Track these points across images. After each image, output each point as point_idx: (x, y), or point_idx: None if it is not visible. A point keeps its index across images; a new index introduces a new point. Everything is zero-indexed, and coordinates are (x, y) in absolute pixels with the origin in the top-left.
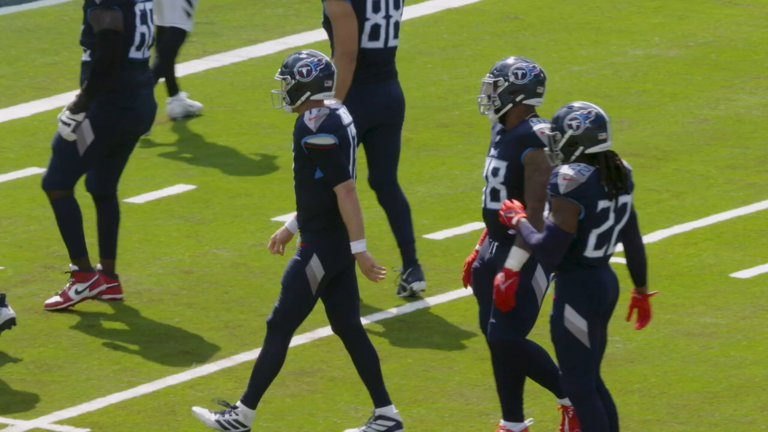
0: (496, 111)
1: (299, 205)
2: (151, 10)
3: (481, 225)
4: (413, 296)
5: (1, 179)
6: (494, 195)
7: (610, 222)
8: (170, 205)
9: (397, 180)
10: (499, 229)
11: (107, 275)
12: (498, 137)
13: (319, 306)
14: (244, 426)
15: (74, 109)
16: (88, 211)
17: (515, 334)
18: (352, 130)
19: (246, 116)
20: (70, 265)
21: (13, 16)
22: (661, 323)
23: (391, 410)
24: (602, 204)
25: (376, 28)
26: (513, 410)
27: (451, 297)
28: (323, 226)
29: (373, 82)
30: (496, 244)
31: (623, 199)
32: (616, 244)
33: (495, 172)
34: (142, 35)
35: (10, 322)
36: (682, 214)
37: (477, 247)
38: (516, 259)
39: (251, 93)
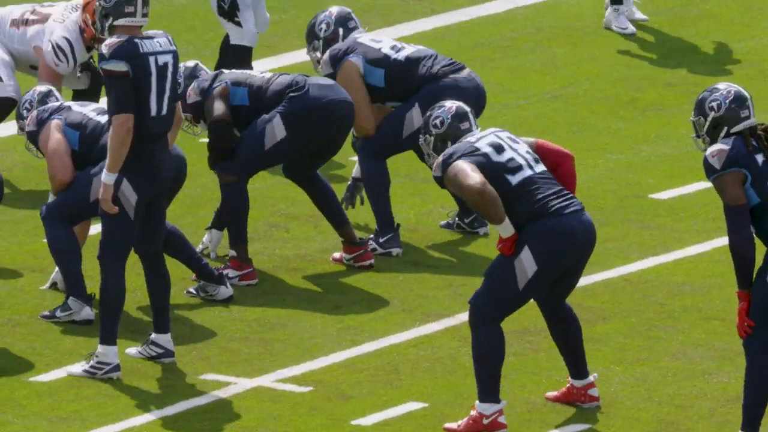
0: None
1: None
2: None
3: (706, 185)
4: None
5: None
6: None
7: None
8: (396, 164)
9: None
10: None
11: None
12: None
13: None
14: (107, 364)
15: None
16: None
17: (485, 304)
18: (159, 60)
19: None
20: (230, 250)
21: None
22: None
23: (165, 338)
24: (761, 158)
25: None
26: (491, 390)
27: (675, 256)
28: (131, 155)
29: None
30: None
31: None
32: None
33: None
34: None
35: (228, 300)
36: None
37: None
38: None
39: (478, 51)
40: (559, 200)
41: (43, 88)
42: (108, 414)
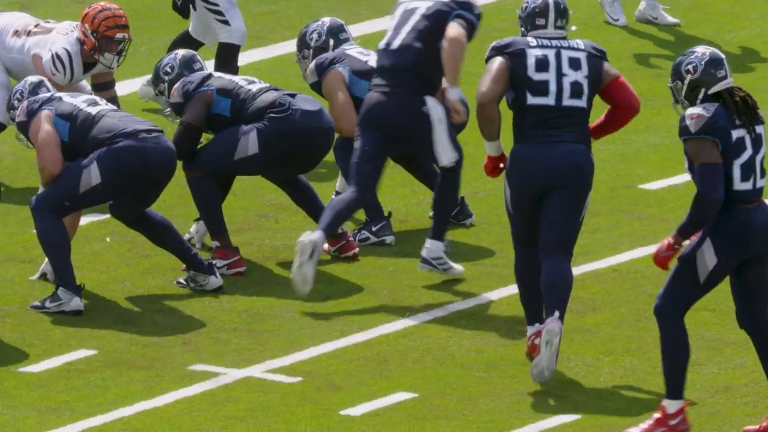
0: None
1: None
2: None
3: None
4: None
5: None
6: None
7: (749, 151)
8: None
9: None
10: None
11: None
12: None
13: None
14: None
15: None
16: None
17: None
18: None
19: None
20: (213, 242)
21: None
22: None
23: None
24: (736, 134)
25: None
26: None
27: None
28: None
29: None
30: None
31: (757, 129)
32: (763, 177)
33: None
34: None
35: (218, 290)
36: None
37: None
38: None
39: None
40: (546, 130)
41: (34, 78)
42: (98, 404)
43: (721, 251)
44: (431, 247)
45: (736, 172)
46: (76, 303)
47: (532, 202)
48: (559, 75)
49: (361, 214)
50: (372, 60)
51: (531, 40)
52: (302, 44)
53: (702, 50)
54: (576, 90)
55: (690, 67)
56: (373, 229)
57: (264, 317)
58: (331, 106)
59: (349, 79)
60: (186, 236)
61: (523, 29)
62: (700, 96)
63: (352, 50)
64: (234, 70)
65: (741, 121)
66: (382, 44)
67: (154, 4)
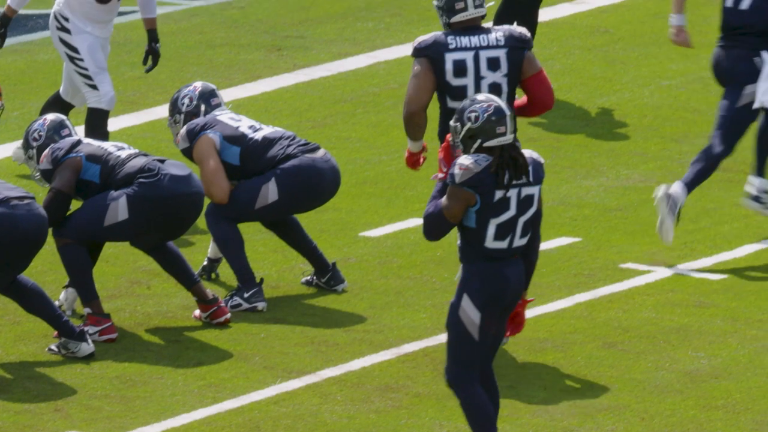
0: None
1: None
2: None
3: (568, 240)
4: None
5: None
6: None
7: (512, 212)
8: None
9: None
10: None
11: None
12: None
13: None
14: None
15: None
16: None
17: None
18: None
19: (334, 130)
20: (85, 308)
21: None
22: (746, 339)
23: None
24: (500, 194)
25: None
26: None
27: (537, 312)
28: None
29: None
30: None
31: (527, 190)
32: (523, 236)
33: None
34: None
35: (89, 357)
36: None
37: None
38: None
39: (340, 107)
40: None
41: None
42: None
43: (479, 304)
44: (758, 183)
45: (491, 230)
46: None
47: None
48: (477, 79)
49: (233, 281)
50: (243, 126)
51: (450, 42)
52: (173, 109)
53: (486, 101)
54: (494, 92)
55: (472, 115)
56: (245, 295)
57: (136, 384)
58: (202, 172)
59: (221, 145)
60: (56, 303)
61: (443, 19)
62: (475, 146)
63: (224, 116)
64: (104, 135)
65: (505, 181)
66: (729, 3)
67: (25, 68)
